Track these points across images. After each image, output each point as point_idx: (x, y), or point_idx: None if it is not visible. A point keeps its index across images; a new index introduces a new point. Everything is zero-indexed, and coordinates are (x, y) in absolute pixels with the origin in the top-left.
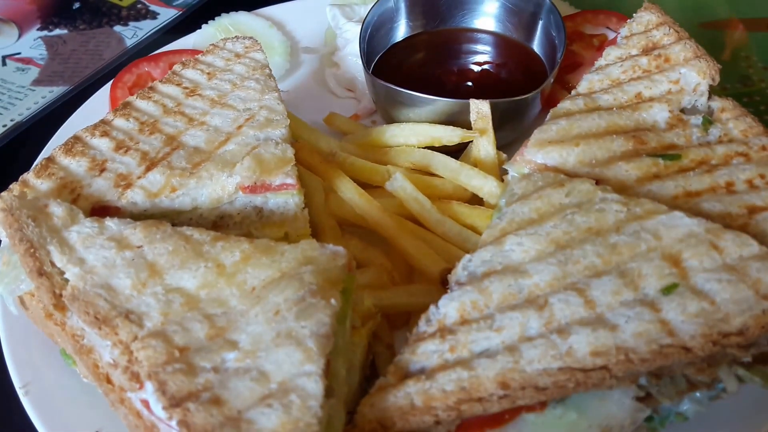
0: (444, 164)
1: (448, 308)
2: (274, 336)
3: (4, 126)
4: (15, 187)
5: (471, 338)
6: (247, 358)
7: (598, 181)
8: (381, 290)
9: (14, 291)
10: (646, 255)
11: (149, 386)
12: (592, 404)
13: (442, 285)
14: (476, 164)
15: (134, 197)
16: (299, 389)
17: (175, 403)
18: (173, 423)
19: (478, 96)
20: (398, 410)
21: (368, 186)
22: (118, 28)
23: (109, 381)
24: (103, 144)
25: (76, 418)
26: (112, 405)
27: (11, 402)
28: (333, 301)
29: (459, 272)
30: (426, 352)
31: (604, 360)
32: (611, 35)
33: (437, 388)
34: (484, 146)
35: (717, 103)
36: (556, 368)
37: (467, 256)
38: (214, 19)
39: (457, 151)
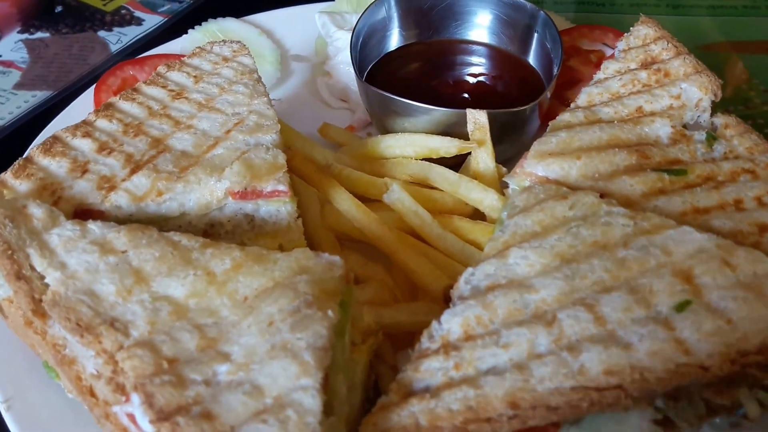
0: (443, 176)
1: (452, 324)
2: (269, 348)
3: None
4: None
5: (477, 355)
6: (240, 371)
7: (602, 195)
8: (382, 307)
9: None
10: (656, 271)
11: (135, 398)
12: (608, 427)
13: (446, 302)
14: (475, 177)
15: (118, 200)
16: (296, 404)
17: (163, 416)
18: None
19: (475, 108)
20: (402, 430)
21: (365, 199)
22: (102, 33)
23: (92, 394)
24: (84, 145)
25: None
26: (97, 421)
27: None
28: (330, 312)
29: (461, 286)
30: (430, 370)
31: (618, 379)
32: (608, 51)
33: (443, 407)
34: (483, 158)
35: (720, 120)
36: (569, 387)
37: (469, 269)
38: (201, 25)
39: (454, 165)
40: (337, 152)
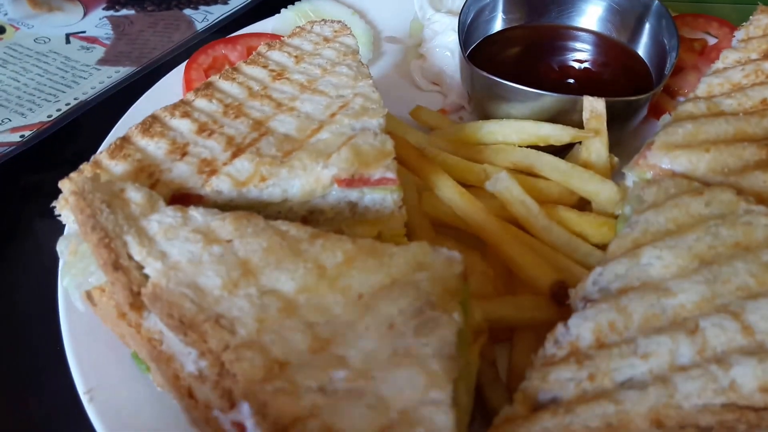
0: (552, 165)
1: (581, 329)
2: (390, 354)
3: (68, 104)
4: (86, 168)
5: (613, 365)
6: (359, 379)
7: (737, 192)
8: (485, 301)
9: (82, 285)
10: None
11: (245, 408)
12: None
13: (553, 299)
14: (585, 167)
15: (220, 185)
16: (426, 421)
17: (278, 429)
18: None
19: (581, 95)
20: None
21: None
22: (188, 11)
23: (191, 395)
24: (184, 125)
25: (147, 430)
26: (193, 423)
27: (73, 408)
28: (456, 315)
29: (588, 287)
30: (560, 380)
31: None
32: (711, 41)
33: (580, 423)
34: (597, 148)
35: None
36: (720, 405)
37: (598, 269)
38: (293, 4)
39: (555, 153)
40: (430, 135)
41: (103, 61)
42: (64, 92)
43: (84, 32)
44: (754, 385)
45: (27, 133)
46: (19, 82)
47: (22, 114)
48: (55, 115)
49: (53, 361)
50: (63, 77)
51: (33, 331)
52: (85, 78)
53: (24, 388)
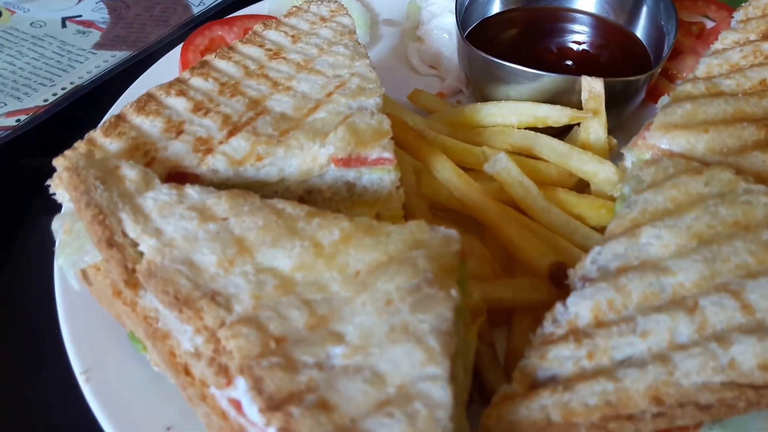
0: (550, 147)
1: (580, 307)
2: (387, 330)
3: (64, 89)
4: (80, 146)
5: (612, 344)
6: (356, 355)
7: (736, 171)
8: (483, 282)
9: (77, 263)
10: None
11: (241, 383)
12: (757, 425)
13: (551, 280)
14: (584, 149)
15: (216, 164)
16: (424, 396)
17: (274, 405)
18: (272, 429)
19: (579, 76)
20: (532, 425)
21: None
22: None
23: (187, 373)
24: (179, 104)
25: (143, 411)
26: (189, 400)
27: (70, 389)
28: (453, 292)
29: (587, 266)
30: (558, 358)
31: None
32: (709, 24)
33: (578, 401)
34: (595, 129)
35: None
36: (719, 383)
37: (596, 248)
38: None
39: (555, 135)
40: (428, 119)
41: (99, 46)
42: (60, 77)
43: (80, 16)
44: (753, 363)
45: (23, 117)
46: (15, 66)
47: (18, 98)
48: (51, 99)
49: (50, 342)
50: (59, 61)
51: (30, 313)
52: (81, 62)
53: (21, 369)
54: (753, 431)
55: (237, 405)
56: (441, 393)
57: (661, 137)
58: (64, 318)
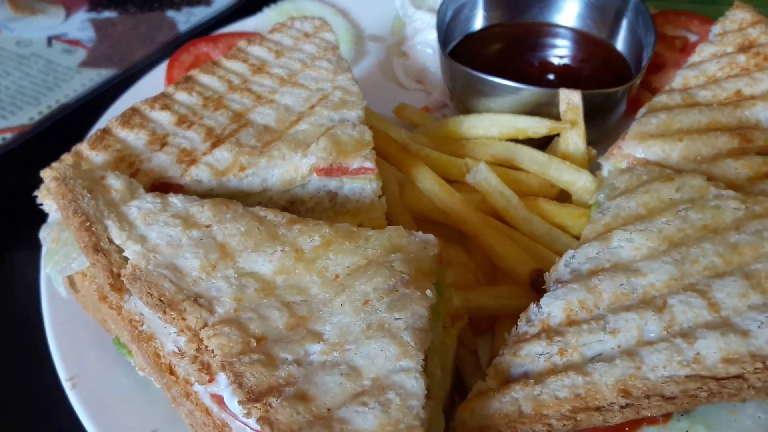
0: (530, 157)
1: (553, 307)
2: (364, 328)
3: (49, 107)
4: (67, 158)
5: (582, 341)
6: (334, 351)
7: (708, 178)
8: (466, 290)
9: (64, 270)
10: None
11: (222, 379)
12: (721, 418)
13: (532, 287)
14: (564, 159)
15: (199, 174)
16: (397, 387)
17: (254, 397)
18: (252, 420)
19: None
20: (504, 418)
21: (443, 180)
22: (170, 12)
23: (172, 372)
24: (163, 117)
25: (129, 415)
26: (173, 401)
27: (56, 395)
28: (429, 292)
29: (561, 269)
30: (530, 355)
31: (738, 368)
32: (692, 38)
33: (549, 394)
34: (574, 140)
35: None
36: (684, 376)
37: (570, 251)
38: (276, 3)
39: (537, 147)
40: (413, 132)
41: (84, 64)
42: (45, 95)
43: (66, 34)
44: (717, 356)
45: (8, 135)
46: (0, 85)
47: (4, 117)
48: (37, 117)
49: (36, 349)
50: (45, 80)
51: (17, 322)
52: (66, 81)
53: (7, 377)
54: (720, 425)
55: (219, 400)
56: (414, 384)
57: (636, 146)
58: (50, 325)
